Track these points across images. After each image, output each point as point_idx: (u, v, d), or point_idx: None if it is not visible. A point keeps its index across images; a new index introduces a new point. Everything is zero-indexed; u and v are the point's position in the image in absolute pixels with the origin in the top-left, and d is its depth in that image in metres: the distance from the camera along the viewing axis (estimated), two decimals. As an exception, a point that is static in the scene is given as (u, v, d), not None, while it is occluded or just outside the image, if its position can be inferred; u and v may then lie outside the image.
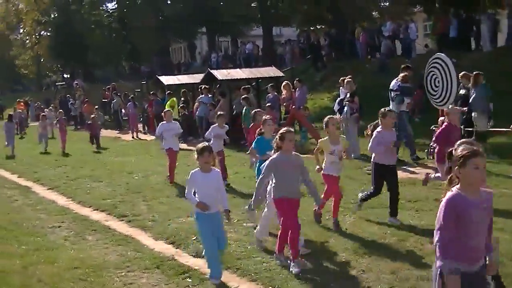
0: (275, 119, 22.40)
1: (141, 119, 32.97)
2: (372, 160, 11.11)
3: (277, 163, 8.62)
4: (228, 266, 8.89)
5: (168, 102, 26.20)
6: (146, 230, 11.51)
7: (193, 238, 10.43)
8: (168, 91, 27.20)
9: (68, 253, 10.14)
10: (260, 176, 8.99)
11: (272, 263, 8.84)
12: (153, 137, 29.13)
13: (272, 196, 9.01)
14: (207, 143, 8.59)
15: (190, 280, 8.51)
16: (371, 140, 10.88)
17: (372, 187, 11.21)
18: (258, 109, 15.40)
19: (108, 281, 8.72)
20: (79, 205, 14.43)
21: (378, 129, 10.93)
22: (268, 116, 12.12)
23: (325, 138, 10.80)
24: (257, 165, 11.03)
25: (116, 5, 67.75)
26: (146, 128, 32.81)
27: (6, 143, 26.13)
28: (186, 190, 8.35)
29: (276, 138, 8.70)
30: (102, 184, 17.11)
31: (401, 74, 17.25)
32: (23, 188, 17.62)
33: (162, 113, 17.76)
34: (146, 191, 15.39)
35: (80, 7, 69.93)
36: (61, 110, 32.28)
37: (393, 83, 17.36)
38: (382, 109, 11.32)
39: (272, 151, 9.16)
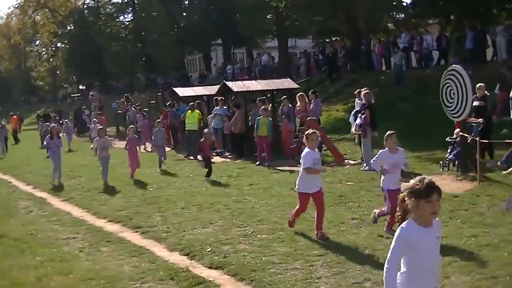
0: (291, 131, 22.51)
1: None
2: None
3: None
4: (243, 277, 8.85)
5: (195, 115, 25.58)
6: (161, 241, 11.48)
7: (208, 250, 10.40)
8: (192, 103, 26.78)
9: (82, 265, 10.14)
10: None
11: (287, 275, 8.78)
12: (168, 149, 28.96)
13: None
14: (425, 177, 4.99)
15: (204, 292, 8.49)
16: None
17: None
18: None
19: (122, 292, 8.72)
20: (94, 217, 14.44)
21: None
22: None
23: None
24: None
25: (132, 17, 68.21)
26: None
27: (53, 168, 20.27)
28: (388, 257, 5.05)
29: None
30: (117, 195, 17.12)
31: None
32: (38, 199, 17.69)
33: (305, 135, 11.22)
34: (161, 202, 15.36)
35: (97, 19, 70.43)
36: (131, 126, 23.18)
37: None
38: None
39: None
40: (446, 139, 17.04)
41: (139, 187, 18.13)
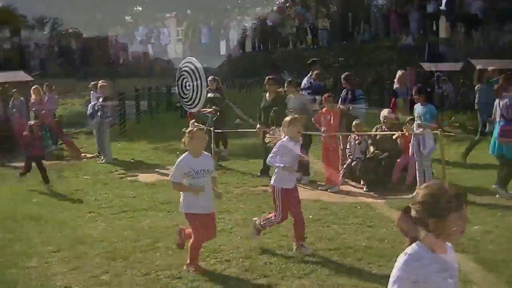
0: (25, 126, 21.60)
1: None
2: None
3: None
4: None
5: None
6: None
7: None
8: None
9: None
10: None
11: (21, 274, 8.38)
12: None
13: None
14: (442, 180, 4.07)
15: None
16: None
17: None
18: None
19: None
20: None
21: None
22: None
23: None
24: None
25: None
26: None
27: None
28: None
29: None
30: None
31: (314, 72, 16.55)
32: None
33: (187, 134, 8.38)
34: None
35: None
36: None
37: (305, 81, 16.62)
38: None
39: None
40: (183, 130, 17.39)
41: None
